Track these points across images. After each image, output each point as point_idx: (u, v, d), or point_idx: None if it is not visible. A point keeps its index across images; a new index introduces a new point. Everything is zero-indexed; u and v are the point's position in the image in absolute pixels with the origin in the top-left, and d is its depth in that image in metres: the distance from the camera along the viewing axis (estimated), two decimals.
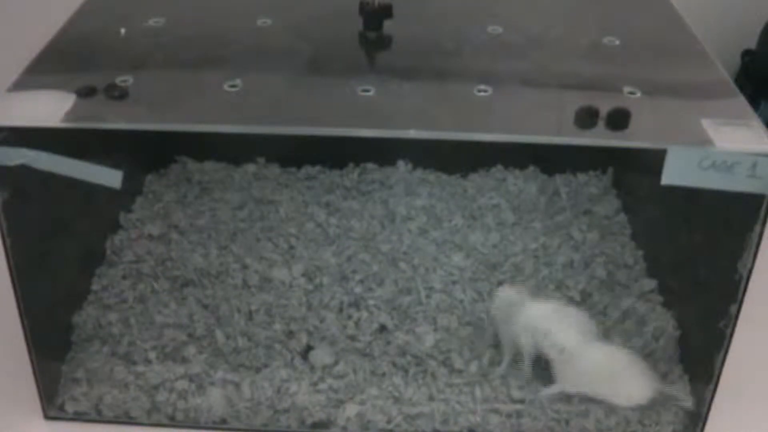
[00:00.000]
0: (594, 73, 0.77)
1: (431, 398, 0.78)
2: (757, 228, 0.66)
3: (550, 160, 1.03)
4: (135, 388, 0.79)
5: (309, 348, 0.82)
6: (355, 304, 0.86)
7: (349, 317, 0.85)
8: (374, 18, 0.80)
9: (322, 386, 0.79)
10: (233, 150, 1.04)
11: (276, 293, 0.87)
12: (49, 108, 0.67)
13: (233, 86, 0.71)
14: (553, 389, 0.78)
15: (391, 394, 0.78)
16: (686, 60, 0.80)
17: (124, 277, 0.89)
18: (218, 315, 0.85)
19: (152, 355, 0.81)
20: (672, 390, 0.78)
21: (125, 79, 0.71)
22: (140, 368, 0.80)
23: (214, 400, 0.78)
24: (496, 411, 0.77)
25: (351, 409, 0.77)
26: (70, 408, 0.78)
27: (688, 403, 0.77)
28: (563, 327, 0.77)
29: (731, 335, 0.71)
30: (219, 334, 0.83)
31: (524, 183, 1.03)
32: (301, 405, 0.78)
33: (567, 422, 0.77)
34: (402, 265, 0.91)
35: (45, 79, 0.73)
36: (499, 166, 1.05)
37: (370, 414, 0.77)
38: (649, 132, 0.68)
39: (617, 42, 0.81)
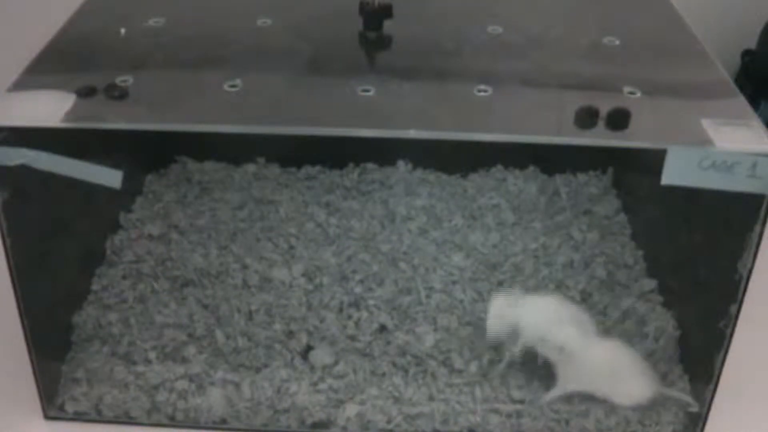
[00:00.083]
0: (594, 73, 0.77)
1: (431, 398, 0.78)
2: (757, 228, 0.66)
3: (550, 160, 1.03)
4: (135, 388, 0.79)
5: (309, 348, 0.82)
6: (355, 304, 0.86)
7: (349, 317, 0.85)
8: (374, 18, 0.80)
9: (322, 386, 0.79)
10: (233, 150, 1.04)
11: (276, 293, 0.87)
12: (49, 108, 0.67)
13: (233, 86, 0.71)
14: (554, 393, 0.78)
15: (391, 394, 0.78)
16: (686, 60, 0.80)
17: (124, 277, 0.89)
18: (218, 315, 0.85)
19: (152, 355, 0.81)
20: (676, 394, 0.78)
21: (125, 79, 0.71)
22: (140, 368, 0.80)
23: (214, 400, 0.78)
24: (496, 411, 0.77)
25: (351, 409, 0.77)
26: (70, 408, 0.78)
27: (695, 408, 0.77)
28: (561, 325, 0.77)
29: (731, 335, 0.71)
30: (219, 334, 0.83)
31: (524, 183, 1.03)
32: (301, 405, 0.78)
33: (567, 422, 0.77)
34: (402, 265, 0.91)
35: (45, 79, 0.73)
36: (499, 166, 1.05)
37: (370, 414, 0.77)
38: (649, 132, 0.68)
39: (617, 42, 0.81)
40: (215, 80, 0.72)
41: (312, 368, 0.80)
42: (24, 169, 0.66)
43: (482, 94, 0.71)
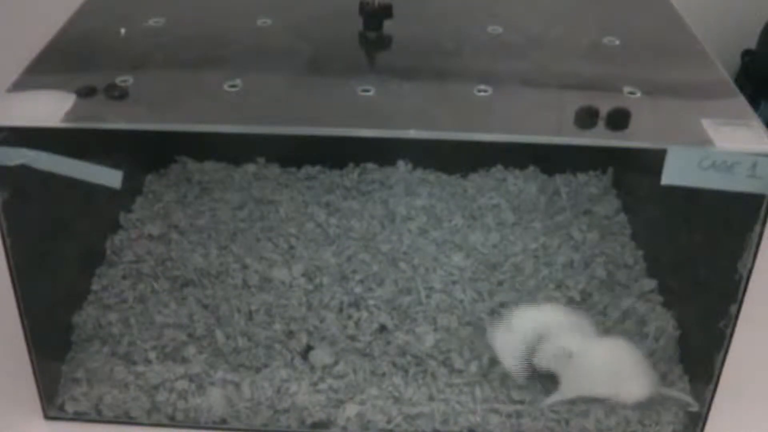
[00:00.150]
0: (594, 73, 0.77)
1: (431, 398, 0.78)
2: (757, 228, 0.66)
3: (550, 160, 1.03)
4: (135, 388, 0.79)
5: (309, 348, 0.82)
6: (355, 304, 0.86)
7: (349, 317, 0.85)
8: (374, 18, 0.80)
9: (322, 386, 0.79)
10: (233, 150, 1.04)
11: (276, 293, 0.87)
12: (49, 108, 0.67)
13: (233, 86, 0.71)
14: (555, 397, 0.77)
15: (391, 394, 0.78)
16: (686, 60, 0.80)
17: (124, 277, 0.89)
18: (218, 315, 0.85)
19: (152, 355, 0.81)
20: (676, 393, 0.78)
21: (125, 79, 0.71)
22: (140, 368, 0.80)
23: (214, 400, 0.78)
24: (496, 411, 0.77)
25: (351, 409, 0.77)
26: (70, 408, 0.78)
27: (695, 408, 0.77)
28: (562, 335, 0.77)
29: (731, 335, 0.71)
30: (219, 334, 0.83)
31: (524, 183, 1.03)
32: (301, 405, 0.78)
33: (567, 422, 0.77)
34: (402, 265, 0.91)
35: (45, 79, 0.73)
36: (499, 166, 1.05)
37: (370, 414, 0.77)
38: (649, 132, 0.68)
39: (617, 42, 0.81)
40: (215, 80, 0.72)
41: (312, 368, 0.80)
42: (24, 169, 0.66)
43: (482, 94, 0.71)
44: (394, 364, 0.81)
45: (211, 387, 0.79)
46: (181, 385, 0.79)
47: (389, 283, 0.89)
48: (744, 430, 0.79)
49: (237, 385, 0.79)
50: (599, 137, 0.67)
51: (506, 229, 0.96)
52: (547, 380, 0.78)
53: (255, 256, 0.92)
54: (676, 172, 0.64)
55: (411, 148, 1.02)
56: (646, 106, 0.70)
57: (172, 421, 0.78)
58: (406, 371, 0.80)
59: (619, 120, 0.67)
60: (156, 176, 1.05)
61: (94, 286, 0.88)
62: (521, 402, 0.78)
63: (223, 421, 0.78)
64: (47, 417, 0.78)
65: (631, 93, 0.71)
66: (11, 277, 0.71)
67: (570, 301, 0.86)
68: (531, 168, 1.05)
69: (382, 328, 0.84)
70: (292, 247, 0.93)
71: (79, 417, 0.78)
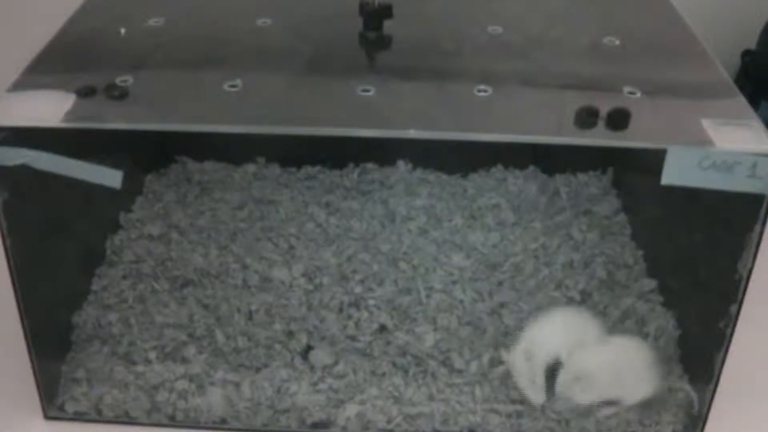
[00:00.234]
0: (594, 73, 0.77)
1: (431, 398, 0.78)
2: (757, 228, 0.66)
3: (550, 160, 1.03)
4: (135, 388, 0.79)
5: (309, 348, 0.82)
6: (355, 304, 0.86)
7: (349, 317, 0.85)
8: (374, 18, 0.80)
9: (322, 386, 0.79)
10: (233, 150, 1.04)
11: (276, 293, 0.87)
12: (49, 108, 0.67)
13: (233, 86, 0.71)
14: (562, 404, 0.77)
15: (391, 394, 0.78)
16: (686, 60, 0.80)
17: (124, 277, 0.89)
18: (218, 315, 0.85)
19: (152, 355, 0.81)
20: (679, 384, 0.78)
21: (125, 79, 0.71)
22: (140, 368, 0.80)
23: (214, 400, 0.78)
24: (496, 411, 0.77)
25: (351, 409, 0.77)
26: (70, 408, 0.78)
27: (696, 408, 0.76)
28: (575, 357, 0.77)
29: (731, 335, 0.71)
30: (219, 334, 0.83)
31: (524, 183, 1.03)
32: (301, 405, 0.78)
33: (567, 422, 0.77)
34: (402, 265, 0.91)
35: (45, 79, 0.73)
36: (499, 166, 1.05)
37: (370, 414, 0.77)
38: (649, 132, 0.68)
39: (617, 42, 0.81)
40: (215, 80, 0.72)
41: (312, 368, 0.80)
42: (24, 169, 0.66)
43: (482, 94, 0.71)
44: (394, 364, 0.81)
45: (211, 387, 0.79)
46: (181, 385, 0.79)
47: (389, 283, 0.89)
48: (744, 430, 0.79)
49: (237, 385, 0.79)
50: (599, 137, 0.67)
51: (506, 229, 0.96)
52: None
53: (255, 256, 0.92)
54: (676, 172, 0.64)
55: (411, 148, 1.02)
56: (646, 106, 0.70)
57: (172, 421, 0.78)
58: (406, 371, 0.80)
59: (619, 120, 0.67)
60: (156, 176, 1.05)
61: (94, 286, 0.88)
62: (521, 402, 0.78)
63: (223, 421, 0.78)
64: (47, 417, 0.78)
65: (631, 93, 0.71)
66: (11, 277, 0.71)
67: (570, 301, 0.86)
68: (531, 168, 1.05)
69: (382, 328, 0.84)
70: (292, 247, 0.93)
71: (79, 417, 0.78)
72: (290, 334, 0.83)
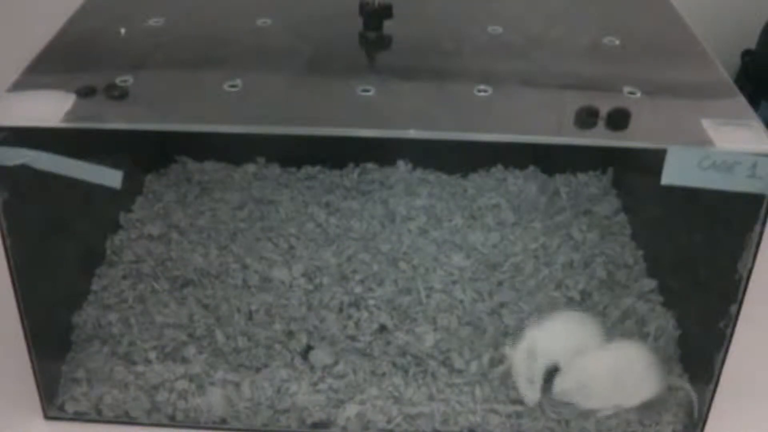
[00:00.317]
0: (594, 73, 0.77)
1: (431, 398, 0.78)
2: (757, 228, 0.66)
3: (550, 160, 1.03)
4: (135, 388, 0.79)
5: (309, 348, 0.82)
6: (355, 304, 0.86)
7: (349, 317, 0.85)
8: (374, 18, 0.80)
9: (322, 386, 0.79)
10: (233, 150, 1.04)
11: (276, 293, 0.87)
12: (49, 108, 0.67)
13: (233, 86, 0.71)
14: (561, 408, 0.77)
15: (391, 394, 0.78)
16: (686, 60, 0.80)
17: (124, 277, 0.89)
18: (218, 315, 0.85)
19: (152, 355, 0.81)
20: (679, 382, 0.78)
21: (125, 79, 0.71)
22: (140, 368, 0.80)
23: (214, 400, 0.78)
24: (496, 411, 0.77)
25: (351, 409, 0.77)
26: (70, 408, 0.78)
27: (696, 408, 0.77)
28: (577, 362, 0.77)
29: (731, 335, 0.71)
30: (219, 334, 0.83)
31: (524, 183, 1.03)
32: (301, 405, 0.78)
33: (567, 423, 0.77)
34: (402, 265, 0.91)
35: (45, 79, 0.73)
36: (499, 166, 1.05)
37: (370, 414, 0.77)
38: (649, 132, 0.68)
39: (617, 42, 0.81)
40: (215, 80, 0.72)
41: (312, 368, 0.80)
42: (24, 169, 0.66)
43: (482, 94, 0.71)
44: (394, 364, 0.81)
45: (211, 387, 0.79)
46: (181, 385, 0.79)
47: (389, 283, 0.89)
48: (744, 430, 0.79)
49: (237, 385, 0.79)
50: (599, 137, 0.67)
51: (506, 229, 0.96)
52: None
53: (255, 256, 0.92)
54: (676, 172, 0.64)
55: (411, 148, 1.02)
56: (646, 106, 0.70)
57: (172, 421, 0.78)
58: (406, 371, 0.80)
59: (619, 120, 0.67)
60: (156, 176, 1.05)
61: (94, 286, 0.88)
62: (521, 402, 0.78)
63: (223, 421, 0.78)
64: (47, 417, 0.78)
65: (631, 93, 0.71)
66: (11, 277, 0.71)
67: (570, 301, 0.86)
68: (531, 168, 1.05)
69: (382, 328, 0.84)
70: (292, 247, 0.93)
71: (79, 417, 0.78)
72: (290, 334, 0.83)
